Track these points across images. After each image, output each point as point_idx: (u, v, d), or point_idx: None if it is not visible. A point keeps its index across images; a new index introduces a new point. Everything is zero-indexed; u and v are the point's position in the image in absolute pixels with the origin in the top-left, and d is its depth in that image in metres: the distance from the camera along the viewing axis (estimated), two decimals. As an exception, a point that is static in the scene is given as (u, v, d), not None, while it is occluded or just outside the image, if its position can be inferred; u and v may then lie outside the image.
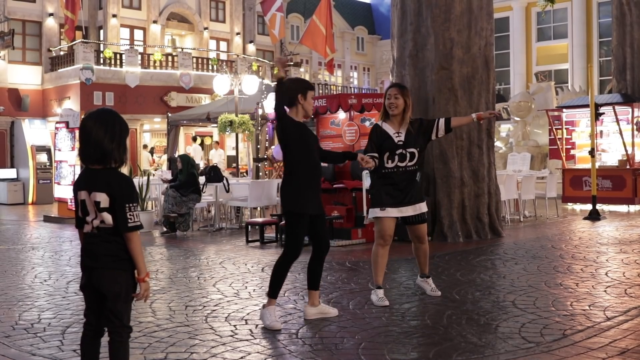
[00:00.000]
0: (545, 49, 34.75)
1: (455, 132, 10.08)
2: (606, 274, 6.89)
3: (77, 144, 14.47)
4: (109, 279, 3.19)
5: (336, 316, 5.25)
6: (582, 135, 16.88)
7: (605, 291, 6.03)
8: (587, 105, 14.71)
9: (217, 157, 22.51)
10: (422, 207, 5.79)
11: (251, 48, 30.35)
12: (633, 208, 15.01)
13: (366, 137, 10.58)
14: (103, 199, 3.17)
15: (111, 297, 3.19)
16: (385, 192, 5.68)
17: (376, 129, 5.79)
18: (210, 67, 25.39)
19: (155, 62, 24.17)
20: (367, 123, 10.91)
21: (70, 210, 14.54)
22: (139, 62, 23.77)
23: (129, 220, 3.17)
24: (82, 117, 3.24)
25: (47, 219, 14.84)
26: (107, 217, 3.18)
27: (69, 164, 14.81)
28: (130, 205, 3.19)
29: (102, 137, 3.18)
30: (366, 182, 9.64)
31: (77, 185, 3.27)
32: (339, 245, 9.50)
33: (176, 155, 14.99)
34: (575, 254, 8.34)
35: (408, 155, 5.68)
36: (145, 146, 24.71)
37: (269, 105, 12.82)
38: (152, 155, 24.72)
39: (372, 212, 5.75)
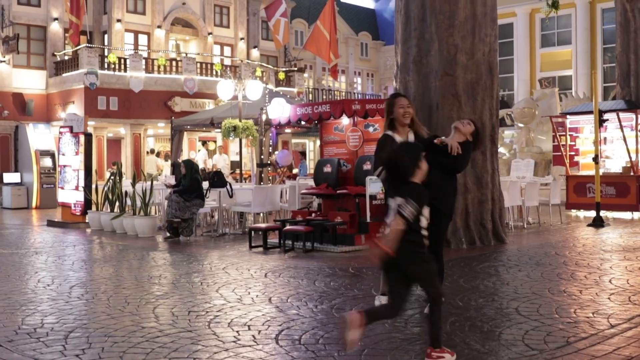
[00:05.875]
0: (549, 55, 34.76)
1: (459, 138, 10.07)
2: (610, 281, 6.87)
3: (81, 149, 14.47)
4: None
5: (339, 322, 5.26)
6: (586, 142, 16.86)
7: (609, 298, 6.01)
8: (590, 112, 14.71)
9: (222, 162, 22.53)
10: None
11: (255, 53, 30.40)
12: (637, 215, 14.97)
13: (370, 143, 10.74)
14: None
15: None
16: None
17: (388, 138, 5.66)
18: (214, 72, 25.44)
19: (159, 67, 24.23)
20: (371, 129, 10.91)
21: (74, 214, 14.55)
22: (143, 67, 23.82)
23: None
24: None
25: (51, 223, 14.86)
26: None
27: (72, 168, 14.82)
28: None
29: None
30: (370, 188, 9.63)
31: None
32: (342, 252, 9.49)
33: (180, 160, 15.01)
34: (579, 261, 8.32)
35: None
36: (152, 151, 24.68)
37: (272, 110, 12.78)
38: (163, 160, 24.47)
39: None
